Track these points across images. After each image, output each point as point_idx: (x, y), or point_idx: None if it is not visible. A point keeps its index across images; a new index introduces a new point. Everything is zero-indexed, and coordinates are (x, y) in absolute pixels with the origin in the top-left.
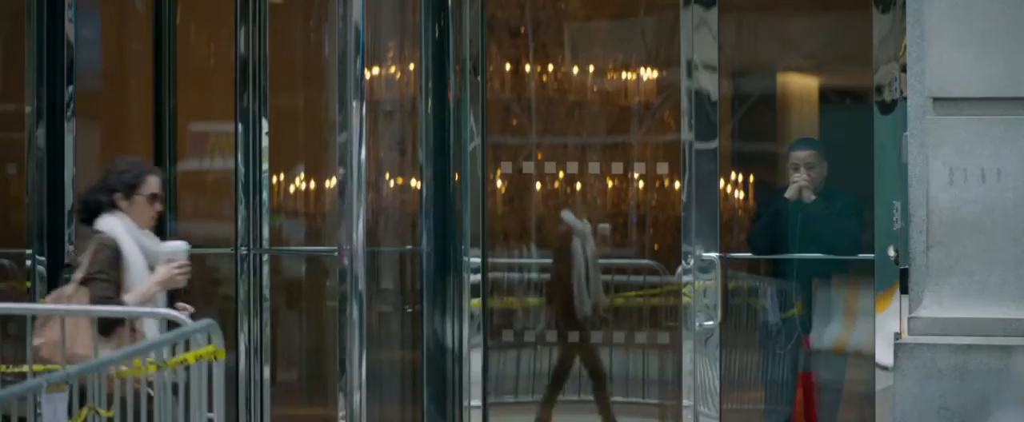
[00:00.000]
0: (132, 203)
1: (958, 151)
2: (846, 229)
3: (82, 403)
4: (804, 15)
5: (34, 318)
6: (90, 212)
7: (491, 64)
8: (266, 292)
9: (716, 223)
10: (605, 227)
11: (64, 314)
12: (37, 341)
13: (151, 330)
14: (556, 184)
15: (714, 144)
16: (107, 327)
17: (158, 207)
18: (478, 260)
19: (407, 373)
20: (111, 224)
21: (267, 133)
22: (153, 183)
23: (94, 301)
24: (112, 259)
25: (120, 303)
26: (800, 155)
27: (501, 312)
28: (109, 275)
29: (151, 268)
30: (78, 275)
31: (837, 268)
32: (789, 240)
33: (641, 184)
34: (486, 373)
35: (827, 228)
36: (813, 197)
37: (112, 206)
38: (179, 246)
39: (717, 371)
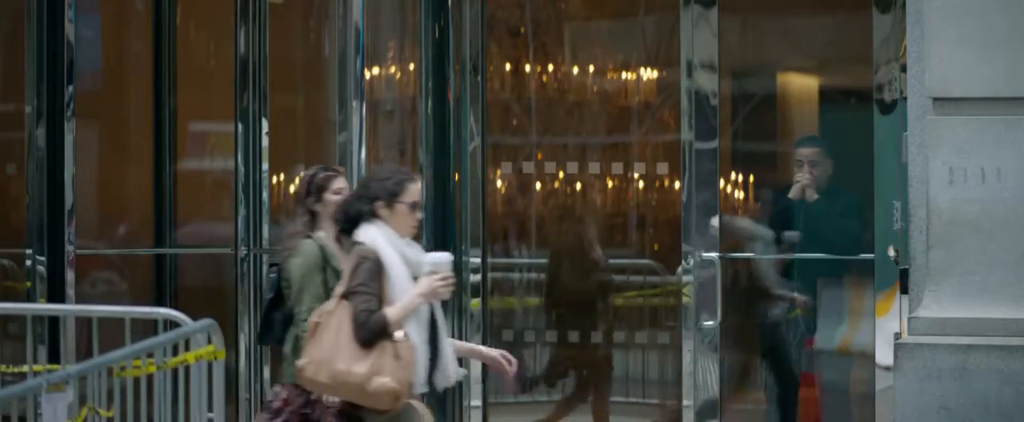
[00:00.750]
0: (393, 212)
1: (958, 151)
2: (848, 229)
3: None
4: (805, 15)
5: (34, 318)
6: (350, 222)
7: (491, 64)
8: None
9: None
10: (792, 235)
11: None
12: (301, 361)
13: (414, 334)
14: (556, 184)
15: (714, 144)
16: (368, 340)
17: (419, 215)
18: (478, 260)
19: None
20: (372, 235)
21: (267, 133)
22: (414, 191)
23: (355, 316)
24: (374, 271)
25: (382, 316)
26: (805, 152)
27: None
28: (371, 288)
29: (414, 278)
30: (339, 289)
31: (839, 268)
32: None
33: (641, 184)
34: (485, 373)
35: (829, 228)
36: (816, 196)
37: (373, 215)
38: (443, 257)
39: (717, 371)
